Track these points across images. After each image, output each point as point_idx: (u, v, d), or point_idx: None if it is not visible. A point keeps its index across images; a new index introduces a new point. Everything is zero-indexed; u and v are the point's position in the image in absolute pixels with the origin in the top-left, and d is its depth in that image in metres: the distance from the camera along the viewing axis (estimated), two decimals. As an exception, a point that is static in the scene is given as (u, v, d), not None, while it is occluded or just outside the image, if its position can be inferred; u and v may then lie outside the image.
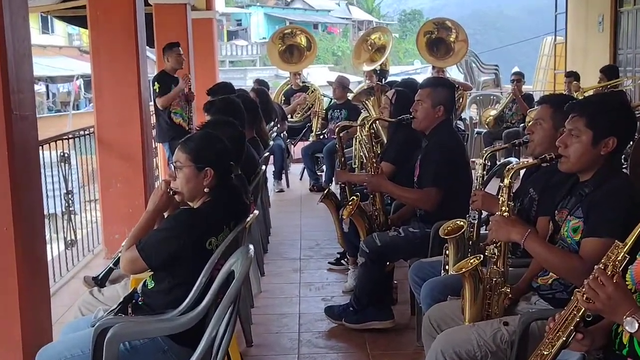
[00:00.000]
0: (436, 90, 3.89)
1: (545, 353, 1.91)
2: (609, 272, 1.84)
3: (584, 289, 1.86)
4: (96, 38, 5.59)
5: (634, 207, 2.32)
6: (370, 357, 3.70)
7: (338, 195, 5.06)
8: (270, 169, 8.26)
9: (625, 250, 1.85)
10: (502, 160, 6.15)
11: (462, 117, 9.35)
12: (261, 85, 8.35)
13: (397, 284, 4.37)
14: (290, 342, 3.90)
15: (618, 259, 1.85)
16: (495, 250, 2.61)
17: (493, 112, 9.16)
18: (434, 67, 9.23)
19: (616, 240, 1.88)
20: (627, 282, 1.97)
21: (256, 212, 3.44)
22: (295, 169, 9.61)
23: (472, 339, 2.47)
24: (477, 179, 3.20)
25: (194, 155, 2.75)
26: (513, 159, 4.76)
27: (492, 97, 10.76)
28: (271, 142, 6.00)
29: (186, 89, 7.00)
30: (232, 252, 2.61)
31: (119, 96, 5.56)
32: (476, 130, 9.76)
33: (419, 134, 4.14)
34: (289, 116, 9.13)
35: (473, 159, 8.59)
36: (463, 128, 9.03)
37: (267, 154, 5.36)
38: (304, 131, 9.06)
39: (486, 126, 9.15)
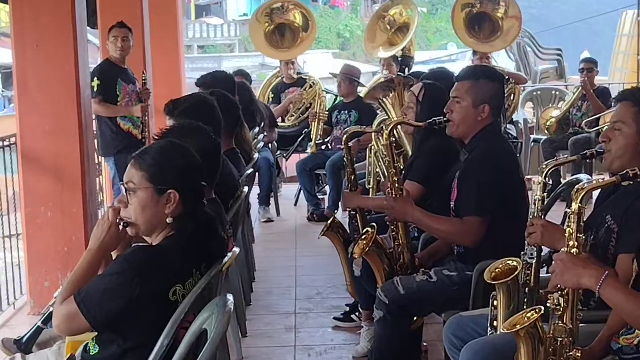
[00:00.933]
0: (479, 83, 3.91)
1: None
2: None
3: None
4: (19, 15, 5.63)
5: None
6: None
7: (347, 227, 5.06)
8: (255, 192, 8.21)
9: None
10: (568, 178, 6.17)
11: (514, 119, 9.38)
12: (242, 79, 8.39)
13: (427, 347, 4.35)
14: None
15: None
16: (561, 301, 2.61)
17: (555, 113, 9.21)
18: (475, 53, 9.29)
19: None
20: None
21: (236, 250, 3.43)
22: (289, 191, 9.61)
23: (531, 422, 2.46)
24: (535, 204, 3.20)
25: (152, 173, 2.77)
26: (583, 176, 4.78)
27: (554, 92, 10.80)
28: (256, 155, 6.01)
29: (139, 84, 7.05)
30: (205, 305, 2.60)
31: (49, 94, 5.59)
32: (533, 137, 9.80)
33: (456, 143, 4.16)
34: (279, 120, 9.17)
35: (529, 177, 8.63)
36: (515, 134, 9.08)
37: (250, 170, 5.38)
38: (299, 140, 9.09)
39: (546, 132, 9.20)
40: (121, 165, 6.60)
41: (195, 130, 3.59)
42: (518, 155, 7.81)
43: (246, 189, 4.86)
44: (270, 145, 8.45)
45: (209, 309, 2.55)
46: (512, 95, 8.93)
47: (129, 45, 7.05)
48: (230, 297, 2.61)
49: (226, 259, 3.04)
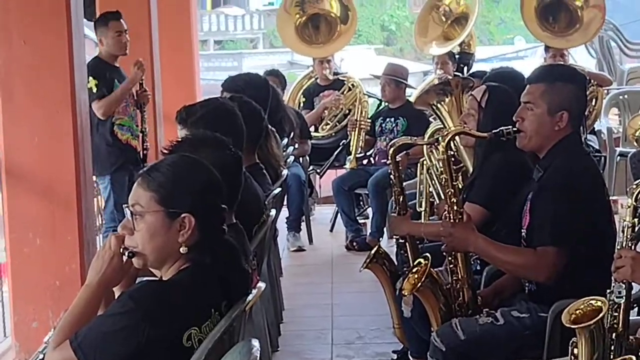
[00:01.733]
0: (555, 86, 3.91)
1: None
2: None
3: None
4: (3, 6, 5.69)
5: None
6: None
7: (394, 258, 5.05)
8: (283, 215, 8.15)
9: None
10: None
11: (596, 128, 9.33)
12: (274, 80, 8.41)
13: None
14: None
15: None
16: (657, 350, 2.59)
17: (646, 121, 9.13)
18: (548, 49, 9.25)
19: None
20: None
21: (261, 285, 3.44)
22: (323, 214, 9.63)
23: None
24: (623, 232, 3.18)
25: (163, 194, 2.79)
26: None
27: (644, 96, 10.75)
28: (285, 172, 6.03)
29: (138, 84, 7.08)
30: (225, 352, 2.61)
31: (39, 99, 5.63)
32: (619, 150, 9.74)
33: (528, 158, 4.14)
34: (312, 128, 9.19)
35: (615, 198, 8.57)
36: (597, 147, 9.03)
37: (278, 190, 5.38)
38: (336, 153, 9.11)
39: (635, 143, 9.12)
40: (119, 184, 6.62)
41: (212, 142, 3.61)
42: (602, 171, 7.78)
43: (273, 211, 4.87)
44: (301, 159, 8.47)
45: (230, 357, 2.55)
46: (594, 100, 8.89)
47: (127, 38, 7.11)
48: (255, 342, 2.62)
49: (250, 297, 3.04)
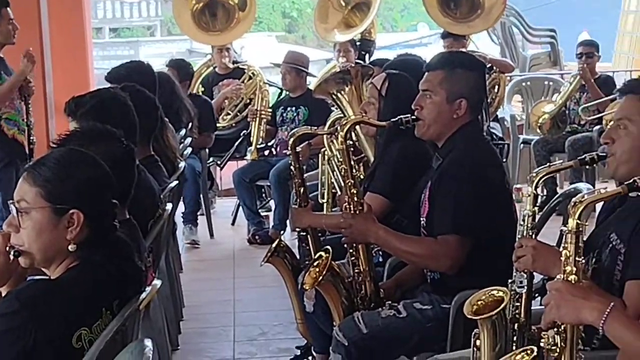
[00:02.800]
0: (454, 73, 3.94)
1: None
2: None
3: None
4: None
5: None
6: None
7: (296, 251, 5.06)
8: (181, 209, 8.19)
9: None
10: (565, 188, 6.23)
11: (499, 116, 9.45)
12: (174, 71, 8.37)
13: (396, 398, 4.38)
14: None
15: None
16: (557, 339, 2.62)
17: (549, 108, 9.29)
18: (448, 35, 9.33)
19: None
20: None
21: (157, 282, 3.41)
22: (224, 206, 9.59)
23: None
24: (524, 220, 3.22)
25: (49, 189, 2.75)
26: (583, 186, 4.82)
27: (546, 82, 10.89)
28: (182, 164, 5.98)
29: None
30: (118, 353, 2.58)
31: None
32: (522, 137, 9.88)
33: (428, 147, 4.18)
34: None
35: (518, 186, 8.70)
36: (500, 134, 9.14)
37: (175, 183, 5.34)
38: (237, 144, 9.07)
39: (538, 131, 9.27)
40: (6, 181, 6.46)
41: (102, 135, 3.55)
42: (504, 160, 7.88)
43: (169, 205, 4.83)
44: (200, 151, 8.41)
45: (122, 358, 2.53)
46: (496, 87, 8.96)
47: (17, 26, 6.95)
48: (148, 342, 2.59)
49: (144, 295, 3.01)
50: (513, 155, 9.56)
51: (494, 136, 8.40)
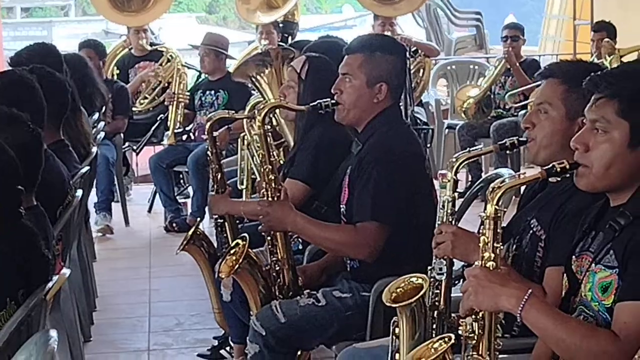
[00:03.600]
0: (374, 57, 3.93)
1: None
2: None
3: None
4: None
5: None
6: None
7: (214, 239, 5.04)
8: (93, 196, 8.11)
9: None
10: (489, 173, 6.27)
11: (424, 100, 9.49)
12: (91, 52, 8.27)
13: (316, 389, 4.39)
14: None
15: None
16: (475, 327, 2.64)
17: (474, 92, 9.34)
18: (376, 17, 9.35)
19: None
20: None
21: (65, 271, 3.37)
22: (141, 193, 9.53)
23: None
24: (443, 206, 3.24)
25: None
26: (505, 171, 4.87)
27: (472, 66, 10.97)
28: (94, 149, 5.90)
29: None
30: (22, 344, 2.54)
31: None
32: (447, 122, 9.94)
33: (348, 132, 4.17)
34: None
35: (443, 172, 8.70)
36: (425, 119, 9.17)
37: (86, 169, 5.27)
38: (154, 128, 9.02)
39: (463, 115, 9.33)
40: None
41: (7, 119, 3.52)
42: (429, 145, 7.92)
43: (80, 192, 4.76)
44: (115, 136, 8.34)
45: (26, 350, 2.49)
46: (421, 71, 9.03)
47: None
48: (53, 332, 2.55)
49: (50, 284, 2.98)
50: (438, 140, 9.61)
51: (419, 121, 8.42)
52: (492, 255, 2.65)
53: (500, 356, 2.73)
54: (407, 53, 5.89)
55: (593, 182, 2.61)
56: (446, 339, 2.68)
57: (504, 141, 3.21)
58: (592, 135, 2.59)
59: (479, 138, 8.90)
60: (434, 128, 9.46)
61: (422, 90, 9.28)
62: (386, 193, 3.80)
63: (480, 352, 2.66)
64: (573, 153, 2.63)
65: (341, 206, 4.05)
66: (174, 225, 8.24)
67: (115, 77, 9.24)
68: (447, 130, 9.80)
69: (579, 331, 2.49)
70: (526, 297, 2.49)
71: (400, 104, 5.92)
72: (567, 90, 3.00)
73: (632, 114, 2.54)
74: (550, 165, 2.70)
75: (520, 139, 3.15)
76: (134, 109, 9.07)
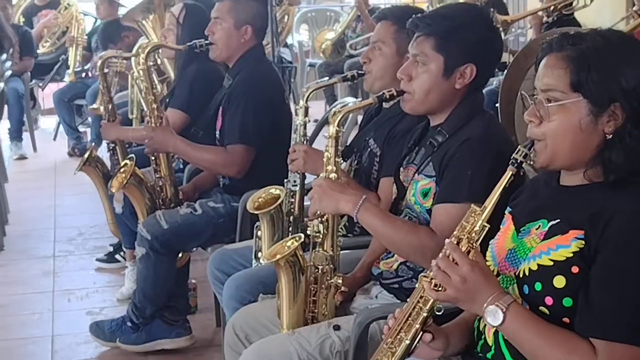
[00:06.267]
0: (239, 3, 3.91)
1: (383, 363, 2.01)
2: (464, 248, 1.96)
3: (431, 273, 1.97)
4: None
5: (500, 161, 2.47)
6: (157, 389, 3.74)
7: (107, 161, 4.98)
8: (4, 126, 8.07)
9: (483, 217, 1.97)
10: (337, 101, 6.32)
11: (288, 43, 9.46)
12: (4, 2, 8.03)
13: (195, 284, 4.41)
14: (39, 377, 3.87)
15: (475, 229, 1.97)
16: (321, 227, 2.69)
17: (330, 35, 9.33)
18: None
19: (472, 205, 2.00)
20: (487, 262, 2.10)
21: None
22: (48, 124, 9.38)
23: (291, 352, 2.54)
24: (297, 129, 3.28)
25: None
26: (350, 99, 4.92)
27: (328, 13, 10.95)
28: (1, 85, 5.76)
29: None
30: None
31: None
32: (309, 61, 9.92)
33: (221, 68, 4.16)
34: (31, 46, 8.85)
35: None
36: (290, 58, 9.16)
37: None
38: (56, 67, 8.83)
39: (322, 55, 9.33)
40: None
41: None
42: (293, 80, 7.92)
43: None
44: (22, 73, 8.16)
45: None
46: (286, 17, 8.96)
47: None
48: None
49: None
50: (301, 76, 9.57)
51: (284, 60, 8.36)
52: (334, 168, 2.71)
53: (342, 251, 2.81)
54: (273, 1, 5.89)
55: (415, 106, 2.66)
56: (297, 238, 2.73)
57: (345, 74, 3.25)
58: (414, 68, 2.63)
59: (335, 74, 8.75)
60: (297, 66, 9.44)
61: (287, 34, 9.23)
62: (252, 120, 3.81)
63: (325, 248, 2.73)
64: (400, 82, 2.67)
65: (216, 132, 4.05)
66: (76, 150, 8.15)
67: (22, 23, 8.99)
68: (308, 67, 9.77)
69: (404, 228, 2.56)
70: (361, 202, 2.54)
71: (268, 45, 5.99)
72: (397, 30, 3.03)
73: (446, 49, 2.59)
74: (381, 92, 2.76)
75: (359, 71, 3.18)
76: (38, 51, 8.88)
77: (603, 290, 1.87)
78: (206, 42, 3.98)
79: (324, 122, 4.39)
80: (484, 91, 2.79)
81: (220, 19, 3.92)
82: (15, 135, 8.27)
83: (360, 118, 3.58)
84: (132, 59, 5.54)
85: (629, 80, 1.92)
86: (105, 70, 4.72)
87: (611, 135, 1.94)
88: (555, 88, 1.96)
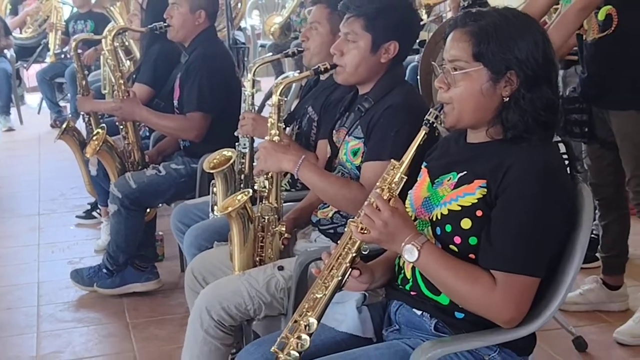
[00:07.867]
0: (191, -10, 3.89)
1: (318, 296, 2.02)
2: (385, 196, 1.98)
3: (358, 218, 1.99)
4: None
5: (418, 124, 2.49)
6: (130, 326, 3.74)
7: (84, 130, 4.94)
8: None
9: (401, 170, 1.99)
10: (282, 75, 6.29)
11: (242, 26, 9.39)
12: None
13: (162, 236, 4.43)
14: (27, 318, 3.85)
15: (394, 180, 2.00)
16: (267, 183, 2.71)
17: (278, 19, 9.29)
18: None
19: (392, 160, 2.02)
20: (406, 208, 2.13)
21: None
22: (32, 100, 9.29)
23: (242, 290, 2.56)
24: (245, 100, 3.28)
25: None
26: (292, 72, 4.91)
27: (276, 0, 10.88)
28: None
29: None
30: None
31: None
32: (260, 42, 9.86)
33: (178, 47, 4.14)
34: (16, 31, 8.81)
35: (258, 78, 8.71)
36: (243, 40, 9.09)
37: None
38: (39, 50, 8.79)
39: (271, 37, 9.28)
40: None
41: None
42: (246, 59, 7.86)
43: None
44: (9, 55, 8.15)
45: None
46: (239, 4, 8.87)
47: None
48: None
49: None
50: (253, 55, 9.49)
51: (238, 42, 8.28)
52: (277, 132, 2.72)
53: (285, 204, 2.83)
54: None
55: (347, 78, 2.67)
56: (246, 193, 2.74)
57: (286, 51, 3.23)
58: (346, 44, 2.63)
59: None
60: (250, 47, 9.39)
61: (241, 19, 9.10)
62: (207, 90, 3.79)
63: (270, 201, 2.74)
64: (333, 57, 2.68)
65: (175, 102, 4.03)
66: (57, 122, 8.06)
67: (9, 11, 8.92)
68: (260, 48, 9.70)
69: (338, 183, 2.57)
70: (301, 161, 2.55)
71: (224, 29, 5.95)
72: (330, 12, 3.01)
73: (373, 28, 2.59)
74: (316, 66, 2.76)
75: (299, 48, 3.17)
76: (21, 36, 8.77)
77: (501, 229, 1.91)
78: (165, 24, 3.95)
79: (271, 94, 4.38)
80: (408, 67, 2.81)
81: (177, 4, 3.89)
82: (4, 110, 8.29)
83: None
84: (102, 40, 5.51)
85: (522, 50, 1.95)
86: (79, 51, 4.64)
87: (508, 99, 1.97)
88: (460, 58, 1.98)
